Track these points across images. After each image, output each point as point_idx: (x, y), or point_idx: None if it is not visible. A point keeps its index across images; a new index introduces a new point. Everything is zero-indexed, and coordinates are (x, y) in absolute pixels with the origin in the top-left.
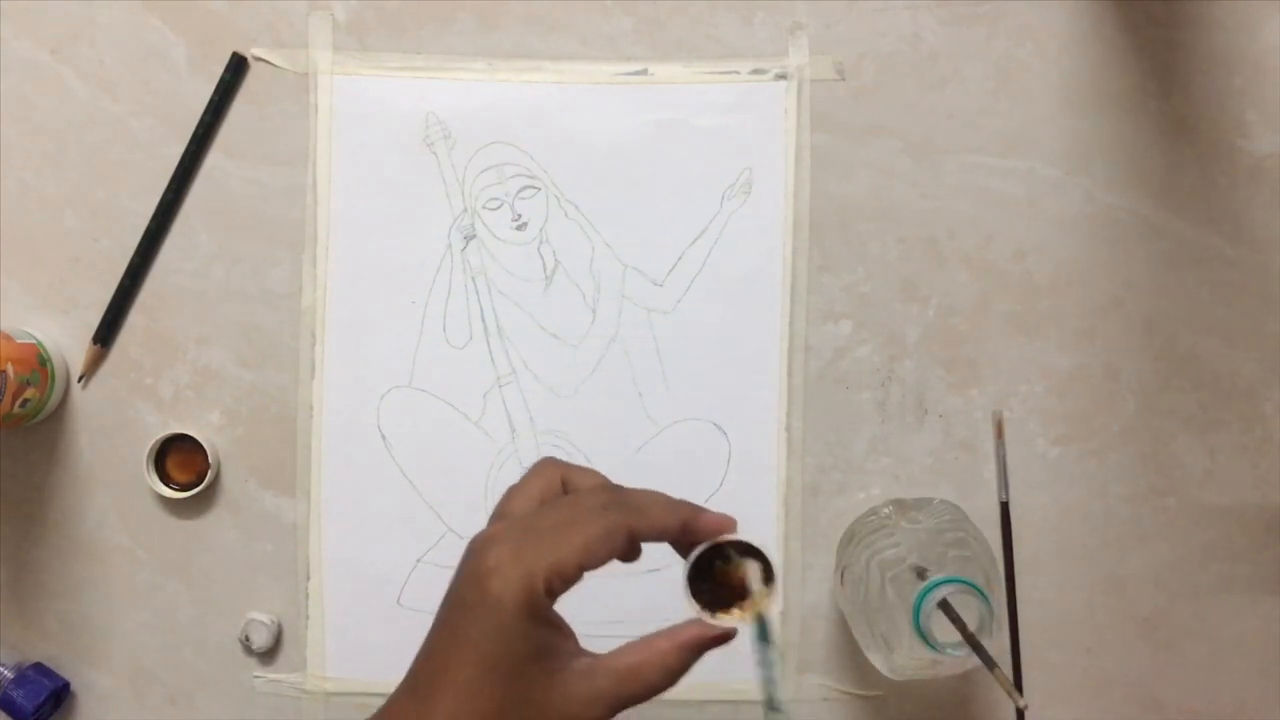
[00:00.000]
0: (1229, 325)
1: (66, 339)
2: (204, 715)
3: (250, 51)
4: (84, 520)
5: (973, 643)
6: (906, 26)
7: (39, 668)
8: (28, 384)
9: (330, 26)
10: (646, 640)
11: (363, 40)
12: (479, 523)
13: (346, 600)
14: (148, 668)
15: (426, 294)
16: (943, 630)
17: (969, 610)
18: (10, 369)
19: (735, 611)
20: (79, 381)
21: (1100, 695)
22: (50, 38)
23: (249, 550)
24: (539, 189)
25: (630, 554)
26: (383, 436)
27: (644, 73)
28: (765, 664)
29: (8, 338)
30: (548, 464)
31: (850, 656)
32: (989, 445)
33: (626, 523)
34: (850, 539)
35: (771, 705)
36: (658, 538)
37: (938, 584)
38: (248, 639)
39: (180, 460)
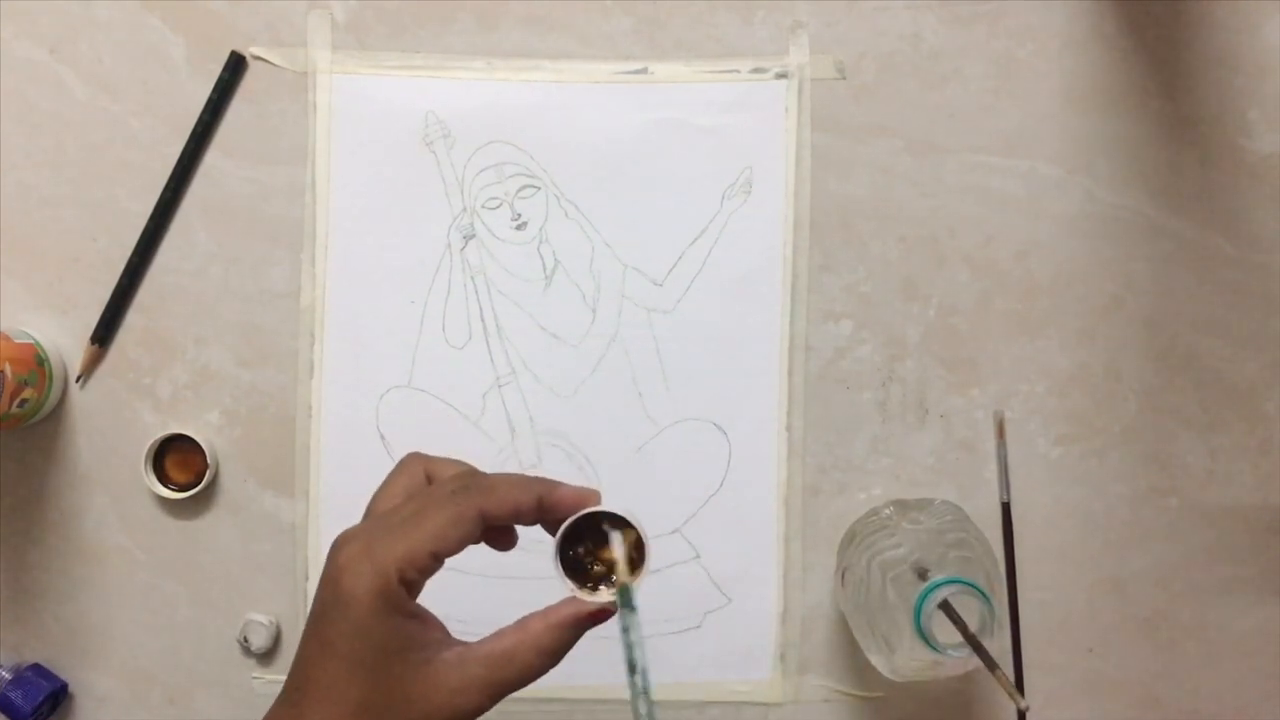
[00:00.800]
0: (1230, 325)
1: (65, 339)
2: (203, 716)
3: (249, 50)
4: (82, 521)
5: (974, 644)
6: (907, 26)
7: (37, 669)
8: (26, 384)
9: (329, 25)
10: (521, 622)
11: (362, 39)
12: None
13: None
14: (146, 668)
15: (426, 293)
16: (944, 631)
17: (970, 611)
18: (8, 369)
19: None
20: (77, 381)
21: (1101, 696)
22: (49, 37)
23: (248, 550)
24: (538, 188)
25: (498, 540)
26: (382, 437)
27: (644, 72)
28: (625, 628)
29: (6, 337)
30: (411, 459)
31: (851, 657)
32: (990, 445)
33: (476, 504)
34: (851, 539)
35: (631, 669)
36: (515, 517)
37: (939, 585)
38: (246, 639)
39: (179, 460)
